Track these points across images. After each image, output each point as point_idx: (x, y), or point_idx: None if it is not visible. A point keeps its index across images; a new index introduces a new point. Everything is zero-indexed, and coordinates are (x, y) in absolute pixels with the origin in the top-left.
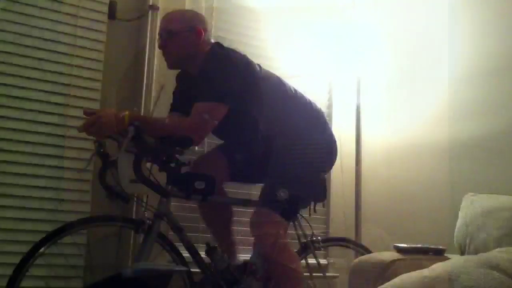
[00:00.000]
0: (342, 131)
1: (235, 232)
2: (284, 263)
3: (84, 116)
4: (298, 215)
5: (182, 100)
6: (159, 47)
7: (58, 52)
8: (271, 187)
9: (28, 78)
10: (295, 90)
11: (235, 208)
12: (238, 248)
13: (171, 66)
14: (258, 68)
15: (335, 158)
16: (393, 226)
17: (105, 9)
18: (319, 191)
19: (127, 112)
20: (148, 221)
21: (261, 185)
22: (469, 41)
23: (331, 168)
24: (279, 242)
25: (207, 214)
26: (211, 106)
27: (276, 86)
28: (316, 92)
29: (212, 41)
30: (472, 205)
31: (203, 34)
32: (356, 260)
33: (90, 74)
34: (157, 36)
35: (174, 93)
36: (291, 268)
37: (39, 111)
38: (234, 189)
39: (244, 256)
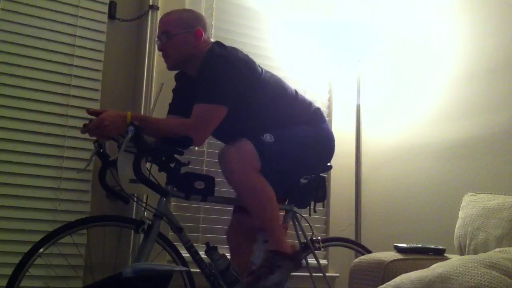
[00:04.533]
0: (342, 131)
1: None
2: (254, 186)
3: (87, 116)
4: (298, 215)
5: (182, 100)
6: (158, 49)
7: (58, 52)
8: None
9: (28, 78)
10: (296, 91)
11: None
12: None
13: (171, 67)
14: (259, 69)
15: (332, 155)
16: (393, 226)
17: (105, 9)
18: (319, 191)
19: (129, 113)
20: (148, 221)
21: None
22: (469, 41)
23: (330, 168)
24: (248, 168)
25: (234, 239)
26: (212, 108)
27: (277, 87)
28: (316, 92)
29: (212, 40)
30: (472, 205)
31: (202, 34)
32: (356, 260)
33: (90, 74)
34: (155, 38)
35: (173, 92)
36: (260, 189)
37: (39, 111)
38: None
39: None
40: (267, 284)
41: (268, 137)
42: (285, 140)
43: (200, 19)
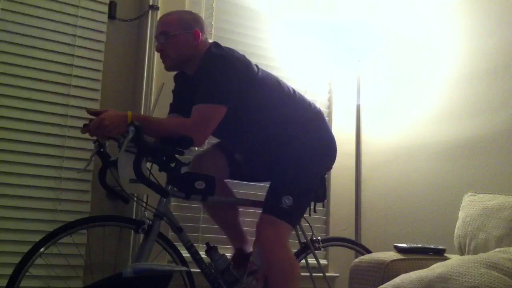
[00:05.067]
0: (342, 131)
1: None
2: (283, 266)
3: (87, 116)
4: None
5: (181, 100)
6: (157, 50)
7: (58, 52)
8: (275, 192)
9: (28, 78)
10: (294, 91)
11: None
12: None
13: (169, 68)
14: (256, 69)
15: (335, 158)
16: (393, 226)
17: (105, 9)
18: (319, 191)
19: (129, 113)
20: (148, 221)
21: (260, 184)
22: (469, 41)
23: (330, 168)
24: (280, 246)
25: (214, 212)
26: (211, 108)
27: (274, 86)
28: (316, 92)
29: (210, 41)
30: (472, 205)
31: (200, 35)
32: (356, 260)
33: (90, 74)
34: (154, 40)
35: (173, 93)
36: (289, 271)
37: (39, 111)
38: (233, 189)
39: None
40: None
41: (287, 201)
42: (286, 143)
43: (198, 20)
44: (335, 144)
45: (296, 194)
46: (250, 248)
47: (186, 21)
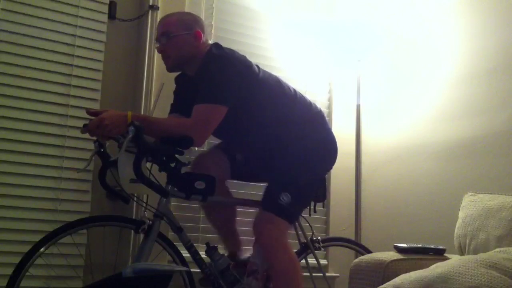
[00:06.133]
0: (342, 131)
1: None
2: (285, 265)
3: (87, 116)
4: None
5: (182, 101)
6: (158, 51)
7: (58, 52)
8: (273, 189)
9: (28, 78)
10: (295, 91)
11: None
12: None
13: (170, 69)
14: (257, 69)
15: (335, 159)
16: (393, 226)
17: (105, 9)
18: (319, 191)
19: (129, 113)
20: (148, 221)
21: (260, 184)
22: (469, 41)
23: (331, 168)
24: (280, 244)
25: (210, 213)
26: (212, 108)
27: (275, 87)
28: (316, 92)
29: (210, 42)
30: (472, 205)
31: (201, 36)
32: (356, 260)
33: (90, 74)
34: (154, 41)
35: (174, 94)
36: (291, 270)
37: (39, 111)
38: (233, 189)
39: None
40: None
41: (285, 198)
42: (285, 142)
43: (198, 21)
44: (336, 144)
45: (294, 191)
46: (243, 254)
47: (187, 22)
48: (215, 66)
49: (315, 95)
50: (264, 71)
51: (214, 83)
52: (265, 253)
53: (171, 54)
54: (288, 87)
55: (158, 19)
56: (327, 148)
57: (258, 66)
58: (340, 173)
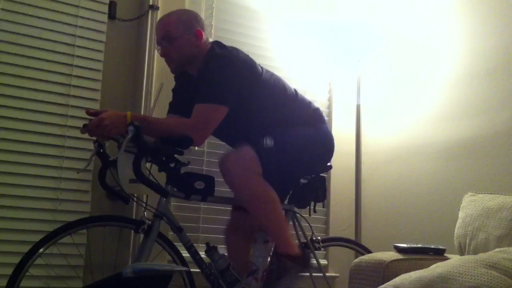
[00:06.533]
0: (342, 131)
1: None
2: (256, 192)
3: (87, 116)
4: (298, 215)
5: (181, 100)
6: (161, 55)
7: (58, 52)
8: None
9: (28, 78)
10: (296, 91)
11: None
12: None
13: (174, 71)
14: (260, 69)
15: (332, 153)
16: (393, 226)
17: (105, 9)
18: (319, 191)
19: (129, 113)
20: (148, 221)
21: None
22: (469, 41)
23: (328, 162)
24: (250, 174)
25: (232, 238)
26: (212, 108)
27: (276, 87)
28: (316, 92)
29: (211, 40)
30: (472, 205)
31: (202, 35)
32: (356, 260)
33: (90, 74)
34: (154, 44)
35: (173, 92)
36: (263, 194)
37: (39, 111)
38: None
39: None
40: None
41: (268, 141)
42: (285, 141)
43: (198, 19)
44: (333, 141)
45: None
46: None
47: (187, 22)
48: (216, 65)
49: (315, 95)
50: (268, 72)
51: (215, 82)
52: (236, 182)
53: (174, 57)
54: (290, 88)
55: (157, 21)
56: (323, 144)
57: (261, 67)
58: (340, 173)
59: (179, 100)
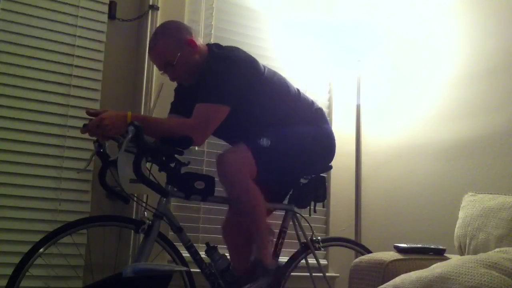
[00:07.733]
0: (342, 131)
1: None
2: (243, 194)
3: (87, 116)
4: (298, 215)
5: (183, 100)
6: (171, 80)
7: (58, 52)
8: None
9: (28, 78)
10: (298, 91)
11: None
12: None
13: (186, 83)
14: (262, 68)
15: (333, 154)
16: (393, 226)
17: (105, 9)
18: (319, 191)
19: (129, 113)
20: (148, 221)
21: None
22: (469, 41)
23: (330, 162)
24: (240, 175)
25: (229, 235)
26: (213, 108)
27: (278, 86)
28: (316, 92)
29: (211, 41)
30: (472, 205)
31: (194, 40)
32: (356, 260)
33: (90, 74)
34: (160, 73)
35: (175, 92)
36: (249, 197)
37: (39, 111)
38: None
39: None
40: None
41: (264, 142)
42: (286, 141)
43: (181, 29)
44: (334, 141)
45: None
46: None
47: (175, 39)
48: (217, 65)
49: (315, 95)
50: (270, 71)
51: (216, 82)
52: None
53: (184, 74)
54: (293, 87)
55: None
56: (325, 144)
57: (264, 66)
58: (340, 173)
59: (181, 100)
